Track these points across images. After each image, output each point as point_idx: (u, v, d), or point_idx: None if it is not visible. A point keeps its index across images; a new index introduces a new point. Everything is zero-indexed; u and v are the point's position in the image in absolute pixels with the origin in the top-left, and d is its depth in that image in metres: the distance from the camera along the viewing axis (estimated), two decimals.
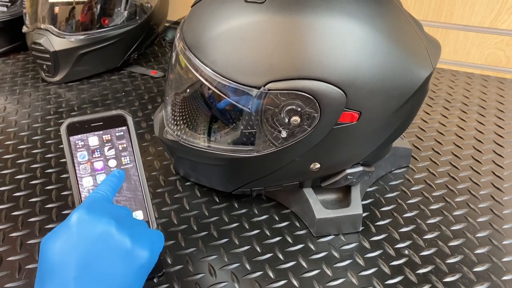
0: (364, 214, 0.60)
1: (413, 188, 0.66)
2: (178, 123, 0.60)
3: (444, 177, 0.69)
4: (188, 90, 0.60)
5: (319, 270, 0.54)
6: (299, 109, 0.49)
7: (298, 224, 0.60)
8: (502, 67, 0.99)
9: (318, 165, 0.54)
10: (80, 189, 0.50)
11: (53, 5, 0.91)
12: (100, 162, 0.51)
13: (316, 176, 0.57)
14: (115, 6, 0.95)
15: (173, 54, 0.58)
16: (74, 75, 0.96)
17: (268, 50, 0.48)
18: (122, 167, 0.51)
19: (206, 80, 0.52)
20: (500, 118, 0.83)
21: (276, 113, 0.50)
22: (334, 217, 0.57)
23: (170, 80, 0.61)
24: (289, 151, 0.52)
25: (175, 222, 0.61)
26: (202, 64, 0.51)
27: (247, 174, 0.57)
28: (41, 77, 0.98)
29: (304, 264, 0.55)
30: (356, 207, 0.58)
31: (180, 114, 0.60)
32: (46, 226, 0.60)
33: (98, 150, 0.51)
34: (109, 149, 0.51)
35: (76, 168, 0.50)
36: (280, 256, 0.56)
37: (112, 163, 0.51)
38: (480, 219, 0.61)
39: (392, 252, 0.56)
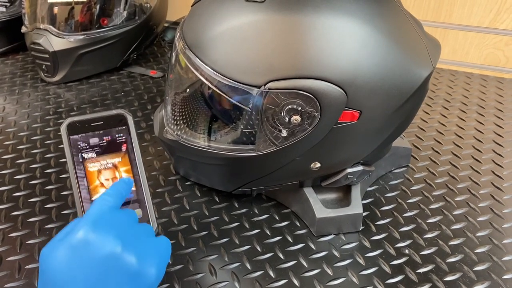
0: (364, 214, 0.60)
1: (413, 188, 0.67)
2: (178, 122, 0.60)
3: (444, 176, 0.69)
4: (188, 90, 0.60)
5: (320, 270, 0.54)
6: (300, 108, 0.49)
7: (298, 224, 0.60)
8: (501, 67, 0.99)
9: (318, 165, 0.54)
10: (80, 188, 0.50)
11: (52, 5, 0.91)
12: (100, 161, 0.51)
13: (316, 175, 0.57)
14: (114, 6, 0.95)
15: (173, 53, 0.58)
16: (74, 75, 0.96)
17: (269, 49, 0.48)
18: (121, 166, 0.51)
19: (206, 79, 0.52)
20: (499, 118, 0.83)
21: (277, 112, 0.50)
22: (335, 216, 0.57)
23: (170, 80, 0.61)
24: (290, 151, 0.52)
25: (175, 222, 0.61)
26: (202, 64, 0.51)
27: (247, 173, 0.57)
28: (40, 77, 0.98)
29: (304, 263, 0.55)
30: (356, 207, 0.58)
31: (180, 113, 0.60)
32: (46, 226, 0.60)
33: (98, 150, 0.51)
34: (109, 149, 0.51)
35: (76, 167, 0.50)
36: (281, 256, 0.56)
37: (112, 162, 0.51)
38: (480, 218, 0.61)
39: (392, 252, 0.56)
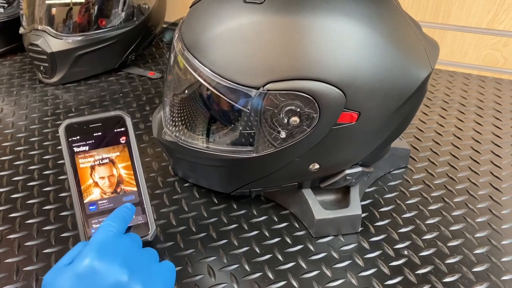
0: (363, 215, 0.60)
1: (412, 189, 0.67)
2: (176, 124, 0.60)
3: (442, 177, 0.69)
4: (186, 91, 0.60)
5: (319, 271, 0.54)
6: (298, 110, 0.49)
7: (297, 225, 0.60)
8: (499, 68, 0.99)
9: (317, 166, 0.54)
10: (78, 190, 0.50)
11: (50, 6, 0.91)
12: (98, 163, 0.51)
13: (315, 176, 0.57)
14: (112, 7, 0.95)
15: (172, 55, 0.58)
16: (72, 76, 0.96)
17: (267, 51, 0.48)
18: (120, 168, 0.51)
19: (205, 80, 0.52)
20: (497, 119, 0.83)
21: (275, 113, 0.50)
22: (333, 217, 0.57)
23: (168, 81, 0.61)
24: (288, 152, 0.52)
25: (174, 224, 0.60)
26: (201, 65, 0.51)
27: (246, 175, 0.57)
28: (38, 78, 0.97)
29: (303, 265, 0.55)
30: (355, 208, 0.58)
31: (179, 115, 0.60)
32: (44, 228, 0.60)
33: (96, 151, 0.51)
34: (107, 150, 0.51)
35: (75, 169, 0.50)
36: (280, 257, 0.56)
37: (111, 164, 0.51)
38: (478, 220, 0.61)
39: (391, 253, 0.56)
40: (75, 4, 0.92)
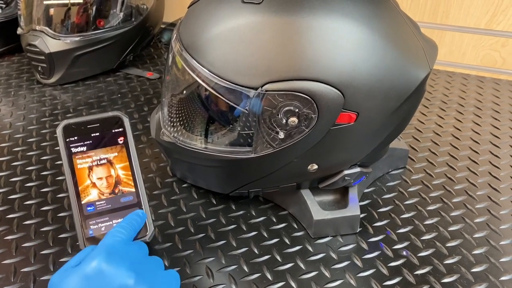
0: (361, 215, 0.60)
1: (410, 189, 0.66)
2: (174, 124, 0.60)
3: (441, 178, 0.69)
4: (184, 92, 0.60)
5: (317, 272, 0.54)
6: (297, 110, 0.49)
7: (295, 226, 0.60)
8: (498, 68, 0.99)
9: (315, 166, 0.54)
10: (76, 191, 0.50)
11: (48, 6, 0.91)
12: (96, 163, 0.51)
13: (313, 177, 0.57)
14: (110, 7, 0.95)
15: (170, 55, 0.58)
16: (70, 77, 0.96)
17: (266, 51, 0.48)
18: (118, 168, 0.51)
19: (203, 81, 0.51)
20: (496, 119, 0.83)
21: (274, 114, 0.50)
22: (332, 218, 0.57)
23: (166, 82, 0.61)
24: (287, 152, 0.52)
25: (172, 224, 0.60)
26: (199, 65, 0.51)
27: (245, 175, 0.57)
28: (36, 79, 0.97)
29: (302, 265, 0.55)
30: (353, 208, 0.58)
31: (177, 115, 0.60)
32: (42, 229, 0.59)
33: (94, 152, 0.51)
34: (105, 151, 0.51)
35: (72, 170, 0.50)
36: (278, 258, 0.55)
37: (109, 165, 0.51)
38: (477, 220, 0.61)
39: (390, 253, 0.56)
40: (73, 4, 0.92)
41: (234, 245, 0.57)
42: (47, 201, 0.64)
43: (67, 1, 0.91)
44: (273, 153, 0.52)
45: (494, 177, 0.69)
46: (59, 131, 0.50)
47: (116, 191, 0.51)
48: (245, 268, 0.54)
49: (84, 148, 0.50)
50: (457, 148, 0.75)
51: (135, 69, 1.03)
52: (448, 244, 0.57)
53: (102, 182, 0.51)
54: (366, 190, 0.66)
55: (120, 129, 0.52)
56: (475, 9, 0.95)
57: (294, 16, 0.48)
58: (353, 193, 0.60)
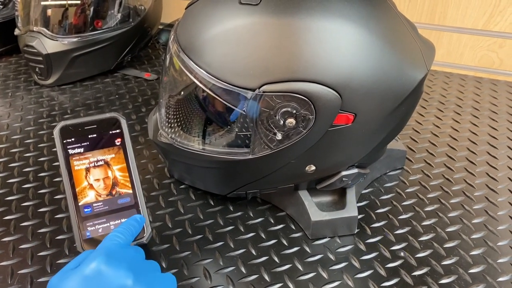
0: (359, 216, 0.60)
1: (408, 190, 0.67)
2: (172, 125, 0.60)
3: (438, 178, 0.69)
4: (182, 93, 0.60)
5: (315, 273, 0.54)
6: (294, 111, 0.49)
7: (293, 227, 0.60)
8: (495, 69, 0.99)
9: (313, 167, 0.54)
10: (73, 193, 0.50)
11: (45, 7, 0.91)
12: (93, 165, 0.51)
13: (311, 178, 0.57)
14: (108, 8, 0.95)
15: (167, 56, 0.58)
16: (67, 78, 0.95)
17: (263, 52, 0.48)
18: (115, 170, 0.51)
19: (200, 82, 0.51)
20: (493, 120, 0.83)
21: (271, 115, 0.50)
22: (330, 219, 0.57)
23: (164, 83, 0.61)
24: (284, 154, 0.52)
25: (170, 226, 0.60)
26: (197, 66, 0.51)
27: (242, 176, 0.57)
28: (33, 80, 0.97)
29: (299, 267, 0.54)
30: (351, 209, 0.58)
31: (175, 116, 0.60)
32: (39, 231, 0.59)
33: (91, 153, 0.50)
34: (102, 152, 0.51)
35: (69, 171, 0.50)
36: (276, 259, 0.55)
37: (106, 166, 0.51)
38: (475, 221, 0.61)
39: (387, 254, 0.56)
40: (70, 5, 0.91)
41: (232, 246, 0.57)
42: (44, 203, 0.64)
43: (65, 2, 0.91)
44: (270, 154, 0.52)
45: (492, 178, 0.69)
46: (56, 133, 0.50)
47: (114, 192, 0.51)
48: (243, 270, 0.54)
49: (81, 150, 0.50)
50: (454, 149, 0.75)
51: (133, 70, 1.03)
52: (446, 245, 0.57)
53: (99, 184, 0.51)
54: (363, 191, 0.66)
55: (118, 131, 0.52)
56: (473, 10, 0.95)
57: (291, 18, 0.48)
58: (351, 194, 0.60)
